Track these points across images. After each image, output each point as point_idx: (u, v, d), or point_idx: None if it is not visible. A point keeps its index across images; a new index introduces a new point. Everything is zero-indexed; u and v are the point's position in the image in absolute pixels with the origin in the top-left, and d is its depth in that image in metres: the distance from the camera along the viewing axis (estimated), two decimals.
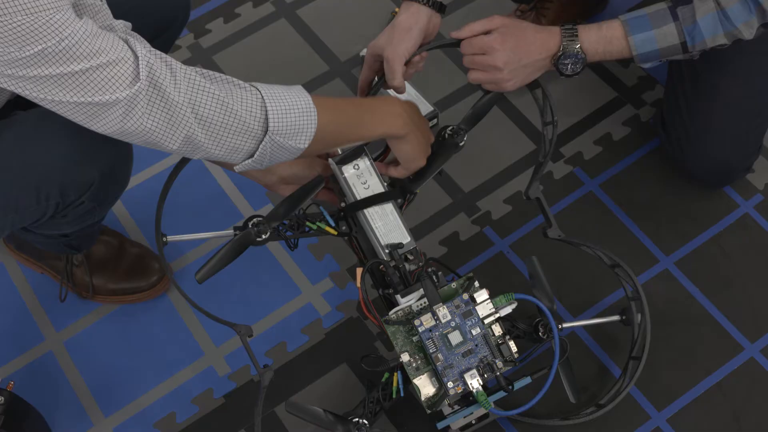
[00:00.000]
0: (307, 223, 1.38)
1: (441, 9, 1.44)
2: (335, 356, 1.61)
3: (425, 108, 1.84)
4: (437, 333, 1.32)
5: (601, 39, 1.42)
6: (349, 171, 1.40)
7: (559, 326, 1.42)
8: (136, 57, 1.05)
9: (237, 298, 1.68)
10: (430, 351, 1.32)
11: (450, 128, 1.47)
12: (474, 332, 1.33)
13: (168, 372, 1.61)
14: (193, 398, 1.59)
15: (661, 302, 1.63)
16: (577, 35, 1.41)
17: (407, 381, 1.37)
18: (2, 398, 1.36)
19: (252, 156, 1.17)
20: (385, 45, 1.42)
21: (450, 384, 1.31)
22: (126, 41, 1.06)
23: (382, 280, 1.41)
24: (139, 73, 1.05)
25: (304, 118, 1.16)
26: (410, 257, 1.39)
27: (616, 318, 1.52)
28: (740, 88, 1.59)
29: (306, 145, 1.18)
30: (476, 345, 1.33)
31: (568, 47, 1.41)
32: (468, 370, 1.32)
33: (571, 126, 1.86)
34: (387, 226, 1.39)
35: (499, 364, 1.33)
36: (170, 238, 1.39)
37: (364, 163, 1.41)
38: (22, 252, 1.70)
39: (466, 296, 1.34)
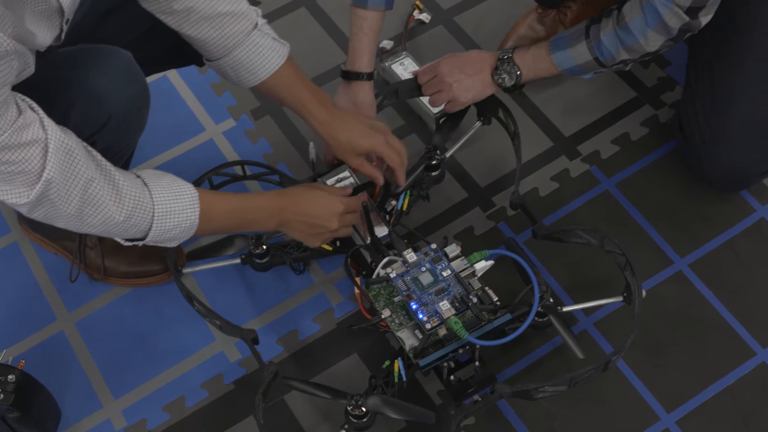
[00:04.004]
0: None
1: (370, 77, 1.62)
2: (346, 346, 1.61)
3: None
4: (408, 277, 1.42)
5: (530, 56, 1.61)
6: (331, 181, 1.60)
7: (559, 308, 1.48)
8: (42, 170, 1.12)
9: (250, 284, 1.69)
10: (403, 291, 1.39)
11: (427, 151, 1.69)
12: (445, 273, 1.42)
13: (178, 356, 1.62)
14: (202, 383, 1.59)
15: (673, 304, 1.63)
16: (512, 54, 1.62)
17: (408, 366, 1.41)
18: (14, 376, 1.37)
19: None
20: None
21: (425, 318, 1.38)
22: (43, 125, 1.12)
23: (366, 265, 1.53)
24: (35, 185, 1.13)
25: (184, 233, 1.32)
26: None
27: (619, 299, 1.51)
28: (757, 94, 1.60)
29: (176, 244, 1.35)
30: (448, 285, 1.41)
31: (504, 62, 1.61)
32: (441, 303, 1.39)
33: (589, 124, 1.86)
34: None
35: (474, 299, 1.39)
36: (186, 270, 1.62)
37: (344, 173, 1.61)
38: (37, 232, 1.70)
39: (434, 245, 1.45)
